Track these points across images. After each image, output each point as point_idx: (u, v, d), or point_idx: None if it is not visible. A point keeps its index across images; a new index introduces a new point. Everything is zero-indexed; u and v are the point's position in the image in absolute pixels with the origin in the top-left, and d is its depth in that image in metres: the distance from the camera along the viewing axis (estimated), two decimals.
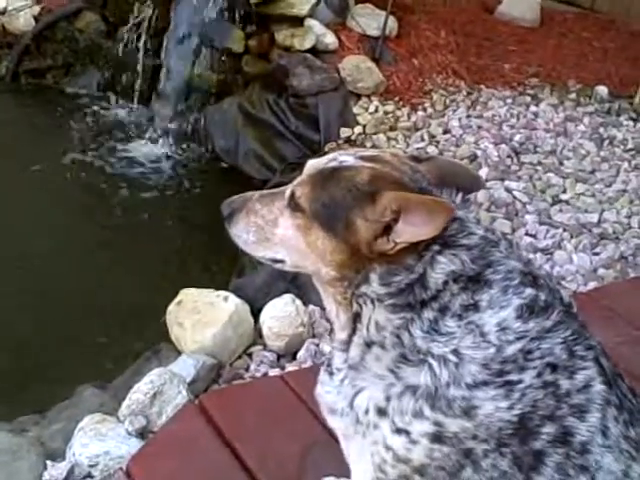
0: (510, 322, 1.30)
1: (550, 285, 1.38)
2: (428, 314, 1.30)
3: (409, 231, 1.26)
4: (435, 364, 1.30)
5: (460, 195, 1.36)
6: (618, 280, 3.53)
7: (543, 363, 1.30)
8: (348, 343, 1.40)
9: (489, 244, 1.34)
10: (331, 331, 3.15)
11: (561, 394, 1.31)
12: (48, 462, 2.34)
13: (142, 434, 2.42)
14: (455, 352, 1.29)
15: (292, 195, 1.37)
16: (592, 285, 3.47)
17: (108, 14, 5.60)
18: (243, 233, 1.43)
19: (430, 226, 1.24)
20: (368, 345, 1.36)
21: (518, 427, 1.29)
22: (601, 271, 3.64)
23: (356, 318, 1.37)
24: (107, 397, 2.72)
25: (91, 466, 2.28)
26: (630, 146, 4.89)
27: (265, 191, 1.47)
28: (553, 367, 1.31)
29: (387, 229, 1.28)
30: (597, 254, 3.79)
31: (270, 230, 1.40)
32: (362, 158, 1.35)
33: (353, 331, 1.38)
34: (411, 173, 1.35)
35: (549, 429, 1.30)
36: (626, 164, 4.68)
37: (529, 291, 1.33)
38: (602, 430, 1.32)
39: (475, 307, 1.30)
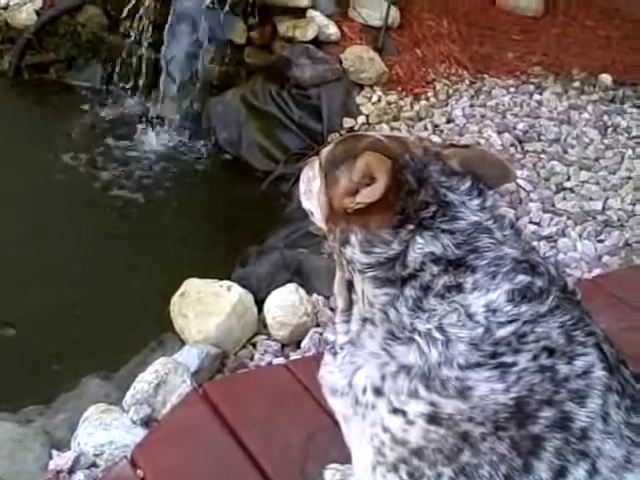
0: (500, 304, 1.30)
1: (552, 273, 1.37)
2: (410, 292, 1.32)
3: (365, 191, 1.32)
4: (422, 342, 1.30)
5: (469, 183, 1.37)
6: (622, 267, 3.53)
7: (539, 346, 1.30)
8: (349, 314, 1.44)
9: (479, 230, 1.34)
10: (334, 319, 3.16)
11: (559, 379, 1.30)
12: (54, 452, 2.34)
13: (147, 423, 2.42)
14: (439, 329, 1.30)
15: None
16: (596, 272, 3.46)
17: (110, 8, 5.58)
18: (301, 184, 1.62)
19: (375, 184, 1.30)
20: (363, 321, 1.39)
21: (515, 411, 1.28)
22: (605, 258, 3.63)
23: (350, 287, 1.42)
24: (111, 387, 2.73)
25: (96, 455, 2.28)
26: (634, 133, 4.89)
27: None
28: (550, 351, 1.30)
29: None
30: (601, 241, 3.78)
31: (313, 183, 1.54)
32: (385, 136, 1.45)
33: (351, 302, 1.43)
34: (421, 154, 1.38)
35: (547, 413, 1.29)
36: (630, 151, 4.67)
37: (522, 277, 1.33)
38: (603, 416, 1.32)
39: (459, 288, 1.31)
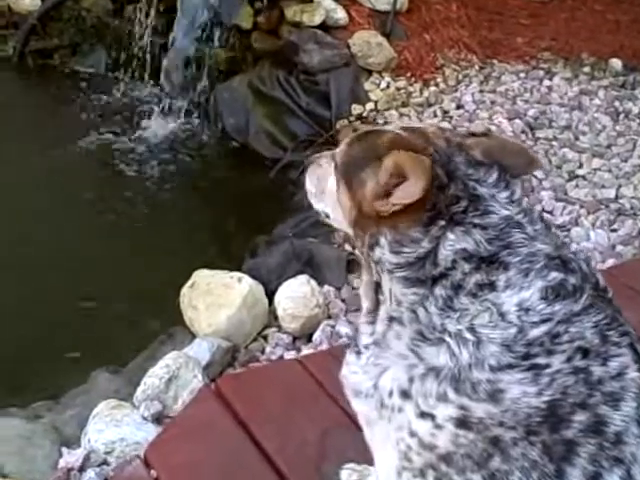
0: (533, 303, 1.25)
1: (584, 269, 1.32)
2: (440, 291, 1.27)
3: (399, 192, 1.26)
4: (453, 343, 1.26)
5: (496, 174, 1.31)
6: (637, 257, 3.48)
7: (573, 347, 1.25)
8: (374, 315, 1.39)
9: (511, 225, 1.29)
10: (346, 312, 3.12)
11: (593, 381, 1.25)
12: (63, 449, 2.30)
13: (158, 419, 2.39)
14: (471, 330, 1.25)
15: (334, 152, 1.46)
16: (610, 262, 3.42)
17: None
18: (309, 184, 1.57)
19: (413, 185, 1.24)
20: (390, 320, 1.35)
21: (547, 414, 1.24)
22: (619, 248, 3.59)
23: (377, 288, 1.37)
24: (121, 382, 2.69)
25: (107, 452, 2.24)
26: None
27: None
28: (584, 352, 1.26)
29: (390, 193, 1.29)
30: (615, 231, 3.74)
31: (325, 184, 1.50)
32: (402, 128, 1.38)
33: (377, 303, 1.38)
34: (444, 146, 1.32)
35: (581, 417, 1.24)
36: None
37: (555, 274, 1.28)
38: (637, 420, 1.27)
39: (491, 286, 1.26)
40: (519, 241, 1.28)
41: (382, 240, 1.31)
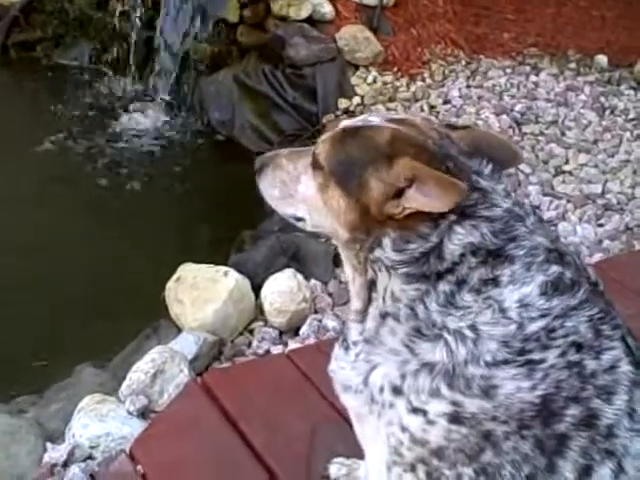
0: (533, 299, 1.24)
1: (577, 263, 1.31)
2: (444, 287, 1.24)
3: (420, 200, 1.21)
4: (451, 339, 1.24)
5: (490, 166, 1.29)
6: (625, 252, 3.48)
7: (567, 342, 1.24)
8: (364, 314, 1.35)
9: (514, 218, 1.27)
10: (333, 306, 3.10)
11: (586, 375, 1.24)
12: (48, 444, 2.27)
13: (143, 414, 2.36)
14: (472, 327, 1.23)
15: (314, 152, 1.35)
16: (598, 257, 3.41)
17: None
18: (269, 188, 1.43)
19: (440, 202, 1.19)
20: (383, 317, 1.31)
21: (541, 409, 1.23)
22: (606, 243, 3.59)
23: (371, 286, 1.32)
24: (106, 376, 2.66)
25: (92, 447, 2.22)
26: (632, 116, 4.85)
27: (296, 149, 1.46)
28: (578, 346, 1.25)
29: (399, 193, 1.23)
30: (601, 225, 3.74)
31: (293, 187, 1.39)
32: (389, 120, 1.32)
33: (369, 301, 1.34)
34: (438, 138, 1.29)
35: (573, 411, 1.24)
36: (628, 134, 4.63)
37: (554, 268, 1.26)
38: (629, 413, 1.27)
39: (495, 282, 1.24)
40: (523, 234, 1.27)
41: (385, 240, 1.26)
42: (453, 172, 1.24)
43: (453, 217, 1.23)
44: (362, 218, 1.28)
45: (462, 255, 1.23)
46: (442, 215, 1.22)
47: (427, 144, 1.27)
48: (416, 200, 1.21)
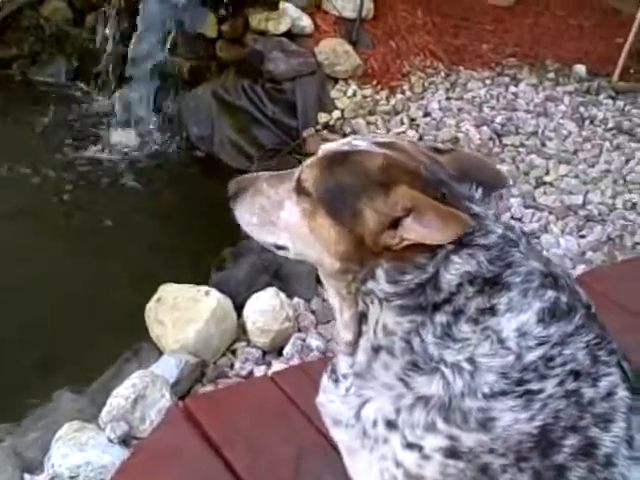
0: (530, 327, 1.20)
1: (570, 286, 1.28)
2: (441, 318, 1.20)
3: (419, 231, 1.16)
4: (448, 372, 1.20)
5: (480, 190, 1.26)
6: (607, 263, 3.47)
7: (566, 370, 1.20)
8: (354, 347, 1.30)
9: (508, 243, 1.23)
10: (317, 324, 3.06)
11: (584, 403, 1.21)
12: (26, 475, 2.22)
13: (125, 441, 2.31)
14: (470, 360, 1.19)
15: (299, 178, 1.27)
16: (581, 269, 3.40)
17: (75, 0, 5.43)
18: (246, 214, 1.33)
19: (442, 234, 1.15)
20: (375, 350, 1.26)
21: (539, 439, 1.19)
22: (589, 254, 3.59)
23: (362, 318, 1.27)
24: (85, 402, 2.59)
25: (72, 477, 2.16)
26: (610, 125, 4.87)
27: (275, 172, 1.36)
28: (576, 374, 1.21)
29: (396, 223, 1.18)
30: (584, 237, 3.74)
31: (275, 213, 1.30)
32: (377, 144, 1.25)
33: (359, 333, 1.28)
34: (429, 163, 1.24)
35: (572, 441, 1.20)
36: (608, 144, 4.66)
37: (550, 293, 1.23)
38: (627, 440, 1.23)
39: (492, 311, 1.20)
40: (518, 260, 1.23)
41: (378, 271, 1.21)
42: (449, 200, 1.20)
43: (450, 247, 1.18)
44: (355, 249, 1.21)
45: (459, 285, 1.19)
46: (440, 245, 1.18)
47: (420, 170, 1.22)
48: (415, 231, 1.16)
